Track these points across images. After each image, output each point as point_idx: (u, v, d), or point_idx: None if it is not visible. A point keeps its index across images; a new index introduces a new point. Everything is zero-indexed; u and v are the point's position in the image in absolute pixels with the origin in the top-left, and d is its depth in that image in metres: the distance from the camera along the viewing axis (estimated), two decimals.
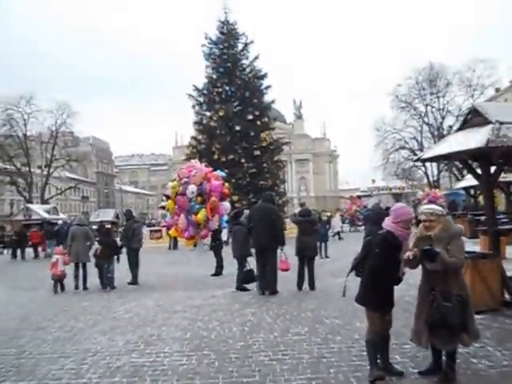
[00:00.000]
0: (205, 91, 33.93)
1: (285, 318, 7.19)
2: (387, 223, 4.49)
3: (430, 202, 27.46)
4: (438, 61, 49.35)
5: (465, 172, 41.63)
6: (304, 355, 5.25)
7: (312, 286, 9.80)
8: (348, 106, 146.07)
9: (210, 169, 12.89)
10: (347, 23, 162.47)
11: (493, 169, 7.72)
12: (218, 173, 12.77)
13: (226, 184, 12.96)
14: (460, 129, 7.99)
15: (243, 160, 30.83)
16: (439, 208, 4.59)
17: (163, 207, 19.10)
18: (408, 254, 4.33)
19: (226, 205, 12.31)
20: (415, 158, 8.18)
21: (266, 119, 32.89)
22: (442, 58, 52.07)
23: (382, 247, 4.40)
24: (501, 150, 7.04)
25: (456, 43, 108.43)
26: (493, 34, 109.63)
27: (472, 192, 22.95)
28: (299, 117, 75.71)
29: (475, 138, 7.09)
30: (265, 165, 31.17)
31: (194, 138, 34.22)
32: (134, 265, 12.40)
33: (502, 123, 7.15)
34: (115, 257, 11.80)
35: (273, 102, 34.15)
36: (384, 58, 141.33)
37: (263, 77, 33.89)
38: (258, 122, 31.99)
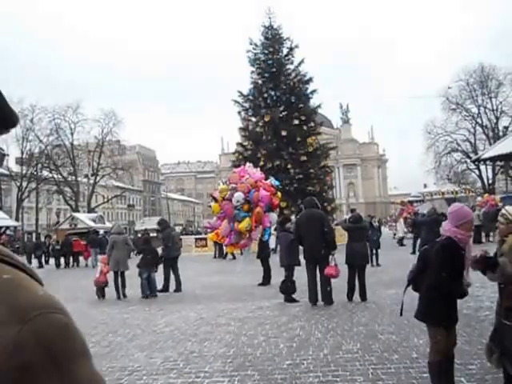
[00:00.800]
0: (250, 97, 33.96)
1: (335, 333, 6.82)
2: (447, 228, 4.01)
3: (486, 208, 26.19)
4: (489, 62, 47.77)
5: None
6: (357, 377, 4.85)
7: (363, 297, 9.38)
8: (397, 109, 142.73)
9: (263, 176, 12.60)
10: (395, 23, 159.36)
11: None
12: (271, 181, 12.46)
13: (279, 193, 12.70)
14: None
15: (290, 166, 30.54)
16: (508, 214, 3.91)
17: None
18: (476, 254, 3.88)
19: (273, 216, 11.98)
20: (474, 157, 7.55)
21: (312, 124, 32.49)
22: (492, 59, 50.55)
23: (443, 256, 3.92)
24: None
25: (506, 44, 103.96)
26: None
27: None
28: (346, 121, 74.40)
29: None
30: (311, 170, 30.72)
31: (239, 144, 34.24)
32: (176, 272, 12.51)
33: None
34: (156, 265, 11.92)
35: (319, 106, 33.71)
36: (433, 60, 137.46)
37: (308, 81, 33.61)
38: (304, 127, 31.67)
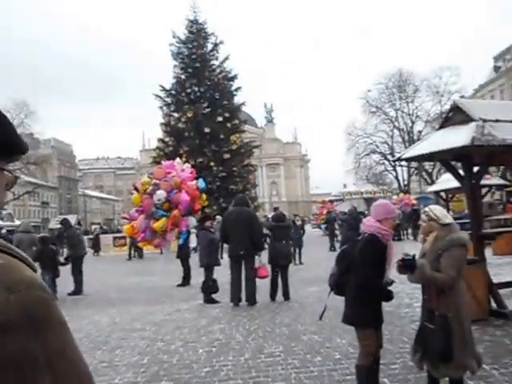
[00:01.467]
0: (173, 92, 33.28)
1: (257, 336, 6.58)
2: (369, 224, 3.86)
3: (402, 207, 27.40)
4: (407, 67, 50.28)
5: (434, 176, 42.30)
6: (279, 382, 4.63)
7: (287, 297, 9.26)
8: (320, 110, 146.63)
9: (191, 176, 12.16)
10: (319, 27, 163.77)
11: (475, 169, 7.35)
12: (198, 183, 12.04)
13: (204, 196, 12.34)
14: (441, 127, 7.58)
15: (212, 163, 30.24)
16: (434, 212, 3.87)
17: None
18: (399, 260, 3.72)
19: (191, 220, 11.62)
20: (395, 158, 7.65)
21: (236, 121, 32.42)
22: (410, 64, 53.35)
23: (368, 254, 3.76)
24: (486, 149, 6.66)
25: (424, 50, 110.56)
26: (456, 43, 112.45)
27: (444, 196, 22.82)
28: (270, 121, 75.18)
29: (458, 137, 6.67)
30: (235, 169, 30.62)
31: (161, 140, 33.48)
32: (77, 273, 11.85)
33: (485, 121, 6.78)
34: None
35: (243, 104, 33.69)
36: (355, 62, 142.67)
37: (233, 78, 33.50)
38: (228, 125, 31.48)
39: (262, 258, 9.31)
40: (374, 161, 50.82)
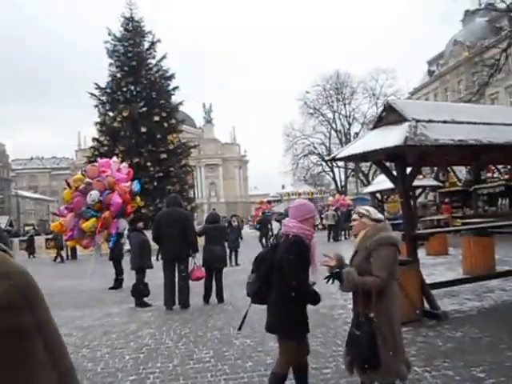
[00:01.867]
0: (108, 90, 32.24)
1: (188, 340, 6.31)
2: (292, 225, 3.67)
3: (337, 208, 27.93)
4: (344, 69, 51.43)
5: (371, 178, 43.55)
6: None
7: (221, 299, 9.03)
8: (259, 111, 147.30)
9: (127, 177, 11.64)
10: (259, 27, 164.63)
11: (408, 170, 7.43)
12: (133, 186, 11.53)
13: (138, 199, 11.87)
14: (375, 127, 7.62)
15: (149, 164, 29.56)
16: (366, 208, 3.82)
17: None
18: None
19: (122, 223, 11.14)
20: (329, 157, 7.61)
21: (174, 121, 31.84)
22: (348, 66, 54.63)
23: (296, 257, 3.53)
24: (419, 149, 6.73)
25: (361, 53, 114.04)
26: (392, 47, 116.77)
27: (379, 197, 23.41)
28: (209, 121, 74.51)
29: (391, 137, 6.71)
30: (172, 169, 30.05)
31: (96, 139, 32.33)
32: None
33: (418, 121, 6.86)
34: None
35: (181, 103, 33.13)
36: (294, 64, 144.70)
37: (170, 77, 32.91)
38: (165, 124, 30.87)
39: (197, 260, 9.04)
40: (312, 162, 51.71)
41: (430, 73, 53.10)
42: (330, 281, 3.55)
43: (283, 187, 51.72)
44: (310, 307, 3.77)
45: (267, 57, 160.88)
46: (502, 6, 23.06)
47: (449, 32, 65.39)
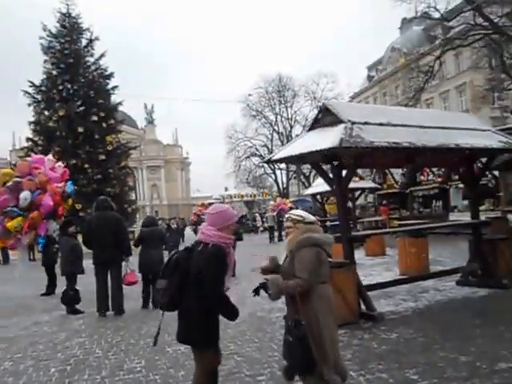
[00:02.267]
0: (43, 88, 30.89)
1: (119, 349, 6.02)
2: (210, 233, 3.45)
3: (279, 212, 28.07)
4: (287, 72, 52.05)
5: (312, 180, 44.25)
6: None
7: (156, 304, 8.70)
8: (203, 112, 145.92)
9: (61, 177, 11.05)
10: (200, 29, 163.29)
11: (344, 172, 7.45)
12: (66, 187, 10.97)
13: (70, 200, 11.32)
14: (311, 128, 7.61)
15: (87, 165, 28.53)
16: (299, 213, 3.75)
17: None
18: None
19: (52, 225, 10.60)
20: (266, 158, 7.56)
21: (113, 121, 30.88)
22: (290, 70, 55.28)
23: (216, 268, 3.36)
24: (354, 151, 6.76)
25: (303, 57, 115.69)
26: (334, 51, 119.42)
27: (319, 198, 23.70)
28: (151, 122, 73.11)
29: (327, 138, 6.70)
30: (111, 170, 29.12)
31: (30, 139, 30.91)
32: None
33: (353, 123, 6.89)
34: None
35: (120, 103, 32.27)
36: (238, 66, 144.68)
37: (109, 76, 31.90)
38: (104, 125, 29.86)
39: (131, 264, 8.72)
40: (254, 164, 51.90)
41: (370, 78, 54.65)
42: (259, 292, 3.49)
43: (226, 189, 51.65)
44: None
45: (211, 58, 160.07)
46: (436, 15, 24.02)
47: (387, 38, 67.51)
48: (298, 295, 3.37)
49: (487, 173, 14.42)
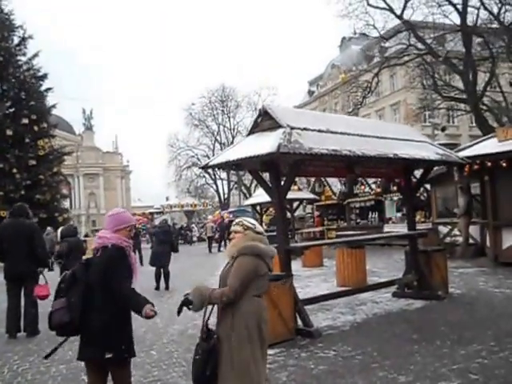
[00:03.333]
0: None
1: (24, 379, 5.17)
2: (109, 236, 3.41)
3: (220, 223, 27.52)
4: (230, 83, 51.95)
5: (253, 190, 44.05)
6: None
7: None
8: (144, 120, 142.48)
9: None
10: (144, 34, 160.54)
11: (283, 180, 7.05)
12: None
13: None
14: (250, 132, 7.15)
15: (15, 170, 26.76)
16: (252, 222, 3.54)
17: None
18: None
19: None
20: (203, 164, 7.00)
21: (45, 125, 29.22)
22: (234, 81, 55.37)
23: (122, 268, 3.32)
24: (292, 157, 6.35)
25: (246, 69, 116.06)
26: (276, 63, 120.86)
27: (259, 209, 23.40)
28: (89, 128, 70.32)
29: (266, 143, 6.26)
30: (42, 176, 27.46)
31: None
32: None
33: (292, 128, 6.50)
34: None
35: (54, 106, 30.79)
36: (182, 74, 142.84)
37: (43, 77, 30.21)
38: (36, 128, 28.20)
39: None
40: (195, 174, 51.05)
41: (311, 93, 55.44)
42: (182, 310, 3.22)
43: (167, 199, 50.45)
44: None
45: (154, 63, 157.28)
46: (375, 33, 24.51)
47: (328, 55, 69.07)
48: (223, 305, 3.19)
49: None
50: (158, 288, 11.63)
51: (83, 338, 3.34)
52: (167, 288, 11.70)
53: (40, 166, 27.71)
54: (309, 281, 11.67)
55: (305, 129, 6.66)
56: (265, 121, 6.94)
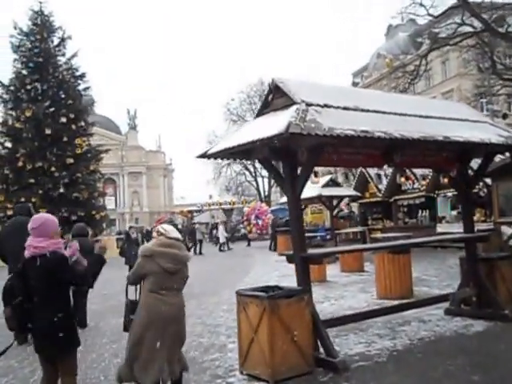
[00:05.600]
0: (12, 88, 28.94)
1: None
2: (44, 244, 3.57)
3: (257, 216, 26.13)
4: (269, 77, 50.65)
5: None
6: None
7: (83, 324, 7.68)
8: (187, 118, 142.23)
9: None
10: (184, 32, 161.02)
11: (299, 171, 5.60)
12: None
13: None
14: (260, 114, 5.77)
15: (54, 168, 26.56)
16: (164, 227, 4.24)
17: None
18: None
19: None
20: (200, 153, 5.64)
21: (83, 123, 28.90)
22: (273, 74, 54.09)
23: (69, 272, 3.63)
24: (307, 140, 4.90)
25: (285, 61, 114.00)
26: (318, 56, 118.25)
27: None
28: (133, 127, 70.40)
29: (274, 125, 4.86)
30: (79, 175, 27.14)
31: None
32: None
33: (309, 104, 5.06)
34: None
35: (92, 104, 30.43)
36: (221, 72, 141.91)
37: (81, 77, 29.99)
38: (73, 127, 27.94)
39: None
40: (235, 171, 49.79)
41: (355, 84, 53.28)
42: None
43: (210, 197, 49.58)
44: None
45: (195, 63, 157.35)
46: (422, 11, 22.39)
47: (373, 45, 66.59)
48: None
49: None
50: None
51: (34, 335, 3.64)
52: None
53: (77, 164, 27.41)
54: (345, 290, 10.16)
55: (326, 105, 5.21)
56: (277, 98, 5.55)
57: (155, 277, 3.97)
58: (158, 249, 4.02)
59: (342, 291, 10.00)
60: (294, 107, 4.98)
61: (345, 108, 5.34)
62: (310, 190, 19.23)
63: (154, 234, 4.19)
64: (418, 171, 16.96)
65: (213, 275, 14.81)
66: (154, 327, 3.89)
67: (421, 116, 6.04)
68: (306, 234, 18.56)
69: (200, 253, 25.58)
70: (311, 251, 6.00)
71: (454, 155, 6.72)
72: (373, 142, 5.23)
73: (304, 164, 5.32)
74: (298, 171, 5.46)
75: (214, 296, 10.45)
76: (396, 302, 7.71)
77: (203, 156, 5.92)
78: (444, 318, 6.98)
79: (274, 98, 5.58)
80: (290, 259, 5.42)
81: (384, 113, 5.65)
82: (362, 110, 5.46)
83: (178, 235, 4.19)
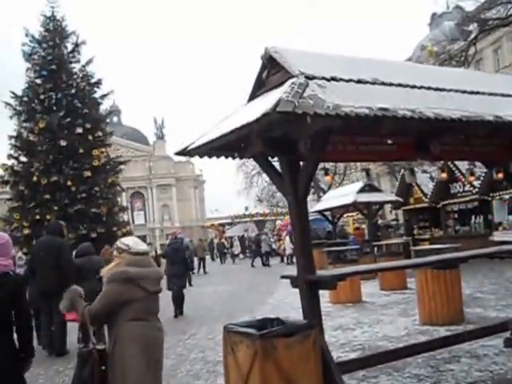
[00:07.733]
0: (25, 98, 28.98)
1: None
2: (6, 262, 3.59)
3: (290, 233, 24.90)
4: None
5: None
6: None
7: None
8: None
9: None
10: (210, 35, 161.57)
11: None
12: None
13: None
14: (253, 97, 4.82)
15: (70, 183, 26.22)
16: (126, 242, 3.84)
17: None
18: None
19: None
20: (179, 150, 4.69)
21: (100, 134, 28.53)
22: None
23: (24, 292, 3.89)
24: (307, 125, 3.87)
25: None
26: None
27: (329, 216, 20.79)
28: (161, 137, 70.38)
29: (263, 107, 3.90)
30: (97, 188, 26.69)
31: (11, 155, 28.86)
32: None
33: (311, 78, 4.07)
34: None
35: (110, 113, 30.15)
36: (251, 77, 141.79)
37: (97, 84, 29.65)
38: (90, 137, 27.55)
39: None
40: (265, 180, 48.65)
41: None
42: None
43: (246, 209, 48.65)
44: None
45: (224, 72, 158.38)
46: (471, 8, 21.03)
47: (416, 37, 64.89)
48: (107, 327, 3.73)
49: None
50: (176, 315, 11.05)
51: None
52: (181, 313, 11.16)
53: (95, 177, 26.99)
54: (382, 313, 9.05)
55: (333, 79, 4.21)
56: (272, 74, 4.61)
57: (138, 302, 3.62)
58: (133, 270, 3.65)
59: (378, 314, 8.90)
60: (290, 81, 4.01)
61: (359, 81, 4.32)
62: (344, 197, 18.13)
63: (115, 253, 3.84)
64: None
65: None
66: (152, 363, 3.61)
67: (464, 91, 4.94)
68: (335, 248, 17.44)
69: (267, 264, 25.42)
70: (341, 270, 4.99)
71: (511, 142, 5.57)
72: (398, 125, 4.17)
73: (307, 157, 4.32)
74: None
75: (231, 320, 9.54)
76: (443, 329, 6.78)
77: (182, 153, 4.98)
78: (503, 353, 5.76)
79: (270, 74, 4.64)
80: (293, 283, 4.42)
81: (413, 87, 4.59)
82: (383, 84, 4.43)
83: (143, 248, 3.85)
